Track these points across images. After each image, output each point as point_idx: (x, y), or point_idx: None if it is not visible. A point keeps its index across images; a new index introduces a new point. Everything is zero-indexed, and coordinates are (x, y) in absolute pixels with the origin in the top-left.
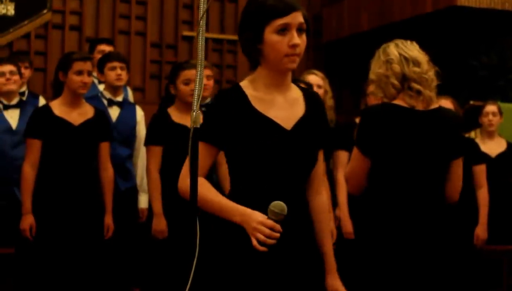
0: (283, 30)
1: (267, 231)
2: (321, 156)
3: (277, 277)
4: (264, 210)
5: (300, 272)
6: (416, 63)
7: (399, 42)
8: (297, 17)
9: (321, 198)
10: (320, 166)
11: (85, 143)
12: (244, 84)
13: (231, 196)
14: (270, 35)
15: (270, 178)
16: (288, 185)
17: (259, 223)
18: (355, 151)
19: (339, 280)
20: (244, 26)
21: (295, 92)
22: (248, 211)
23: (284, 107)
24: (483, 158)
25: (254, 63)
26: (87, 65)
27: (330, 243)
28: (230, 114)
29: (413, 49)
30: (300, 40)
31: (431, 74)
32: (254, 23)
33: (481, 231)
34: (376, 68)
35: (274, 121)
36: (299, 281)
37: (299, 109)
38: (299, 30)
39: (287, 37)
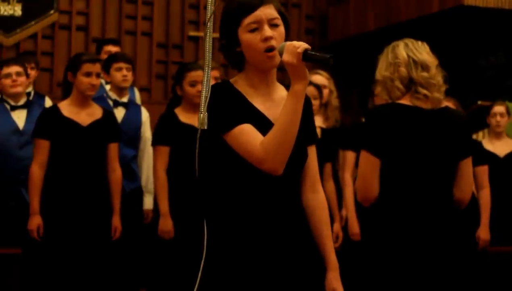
0: (255, 29)
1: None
2: (312, 153)
3: (273, 278)
4: (255, 208)
5: (296, 272)
6: (425, 67)
7: (409, 42)
8: (266, 11)
9: (317, 195)
10: (312, 163)
11: (93, 144)
12: (233, 81)
13: (221, 192)
14: (244, 36)
15: (263, 175)
16: (280, 181)
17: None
18: (364, 154)
19: (339, 280)
20: (221, 33)
21: (282, 91)
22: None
23: (272, 106)
24: (486, 158)
25: (238, 67)
26: (96, 67)
27: (330, 239)
28: (232, 105)
29: (422, 52)
30: (273, 33)
31: (439, 79)
32: (227, 28)
33: (483, 232)
34: (382, 70)
35: (266, 117)
36: (295, 281)
37: None
38: (273, 25)
39: (260, 34)
